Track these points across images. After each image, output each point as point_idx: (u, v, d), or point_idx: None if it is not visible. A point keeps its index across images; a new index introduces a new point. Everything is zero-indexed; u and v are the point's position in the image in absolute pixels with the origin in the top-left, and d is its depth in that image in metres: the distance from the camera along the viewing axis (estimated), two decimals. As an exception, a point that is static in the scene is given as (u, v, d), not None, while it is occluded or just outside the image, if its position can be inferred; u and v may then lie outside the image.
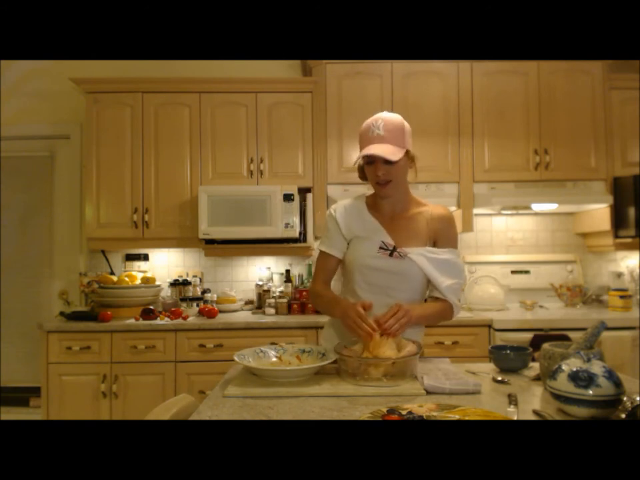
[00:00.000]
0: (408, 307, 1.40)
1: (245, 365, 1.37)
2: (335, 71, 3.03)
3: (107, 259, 3.30)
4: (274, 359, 1.47)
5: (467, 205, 3.02)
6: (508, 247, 3.40)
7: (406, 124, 1.55)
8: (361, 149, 1.54)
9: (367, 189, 1.70)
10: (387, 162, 1.50)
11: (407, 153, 1.54)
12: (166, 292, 3.21)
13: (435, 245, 1.61)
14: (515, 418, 1.04)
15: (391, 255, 1.54)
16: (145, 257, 3.31)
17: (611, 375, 1.01)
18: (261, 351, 1.48)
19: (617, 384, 1.01)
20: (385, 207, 1.63)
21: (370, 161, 1.53)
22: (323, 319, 2.74)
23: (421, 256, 1.54)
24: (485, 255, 3.36)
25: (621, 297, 2.92)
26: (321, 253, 1.66)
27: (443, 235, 1.61)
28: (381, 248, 1.55)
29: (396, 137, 1.51)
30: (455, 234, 1.65)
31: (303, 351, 1.49)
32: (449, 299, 1.55)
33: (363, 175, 1.64)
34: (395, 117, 1.54)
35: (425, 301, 1.65)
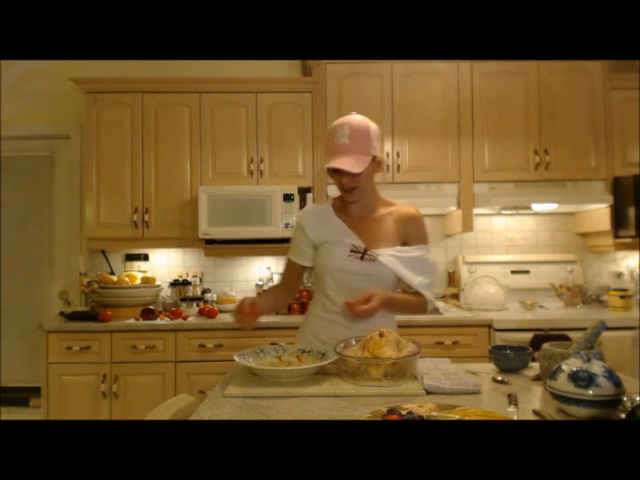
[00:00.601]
0: (377, 292, 1.47)
1: (244, 365, 1.37)
2: (335, 71, 3.03)
3: (107, 259, 3.31)
4: (274, 359, 1.47)
5: (467, 205, 3.02)
6: (508, 247, 3.40)
7: (372, 128, 1.53)
8: (327, 154, 1.55)
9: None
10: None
11: (374, 157, 1.54)
12: (166, 292, 3.21)
13: (405, 244, 1.62)
14: (515, 418, 1.04)
15: (361, 258, 1.55)
16: (145, 257, 3.31)
17: (611, 375, 1.01)
18: (261, 351, 1.48)
19: (617, 384, 1.01)
20: (352, 210, 1.63)
21: (336, 169, 1.53)
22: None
23: (391, 257, 1.56)
24: (485, 255, 3.36)
25: (621, 296, 2.92)
26: (288, 258, 1.71)
27: (413, 234, 1.63)
28: (351, 251, 1.56)
29: (361, 145, 1.50)
30: (425, 232, 1.66)
31: (303, 351, 1.49)
32: (423, 295, 1.58)
33: None
34: (361, 123, 1.52)
35: None
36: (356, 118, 1.54)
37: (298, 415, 1.09)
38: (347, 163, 1.48)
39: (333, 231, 1.61)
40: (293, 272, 1.72)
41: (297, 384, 1.30)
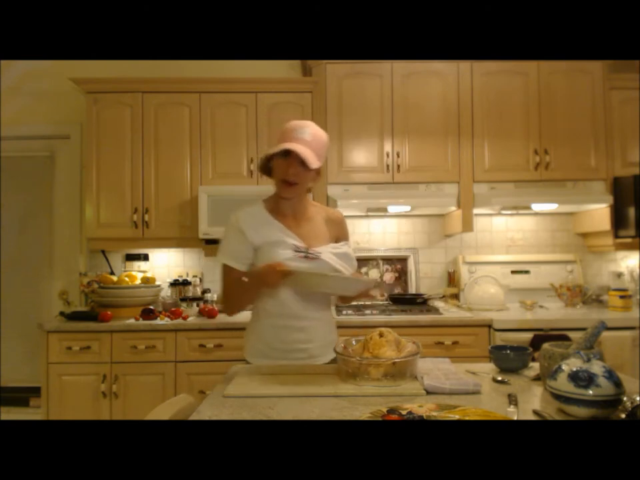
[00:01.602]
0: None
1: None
2: (335, 71, 3.03)
3: (107, 259, 3.30)
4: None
5: (467, 205, 3.02)
6: (508, 247, 3.40)
7: (327, 140, 1.60)
8: (281, 142, 1.54)
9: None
10: (303, 165, 1.51)
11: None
12: (166, 292, 3.21)
13: (336, 242, 1.70)
14: (515, 418, 1.04)
15: (305, 256, 1.56)
16: (145, 257, 3.31)
17: (611, 375, 1.01)
18: None
19: (617, 384, 1.01)
20: (286, 210, 1.64)
21: (285, 154, 1.52)
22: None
23: (330, 253, 1.61)
24: (485, 255, 3.36)
25: (621, 296, 2.92)
26: (225, 265, 1.60)
27: (342, 233, 1.74)
28: (295, 251, 1.56)
29: (318, 148, 1.55)
30: (348, 231, 1.79)
31: None
32: None
33: (267, 170, 1.64)
34: (320, 131, 1.59)
35: None
36: (316, 126, 1.59)
37: (298, 415, 1.09)
38: (306, 152, 1.50)
39: (273, 231, 1.59)
40: (234, 278, 1.59)
41: (297, 384, 1.30)
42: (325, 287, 1.53)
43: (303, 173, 1.54)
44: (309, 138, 1.52)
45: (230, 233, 1.61)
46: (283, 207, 1.63)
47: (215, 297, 3.11)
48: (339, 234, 1.72)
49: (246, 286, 1.57)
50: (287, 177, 1.54)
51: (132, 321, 2.74)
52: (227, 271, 1.61)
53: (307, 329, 1.60)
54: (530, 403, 1.18)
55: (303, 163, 1.50)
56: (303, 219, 1.65)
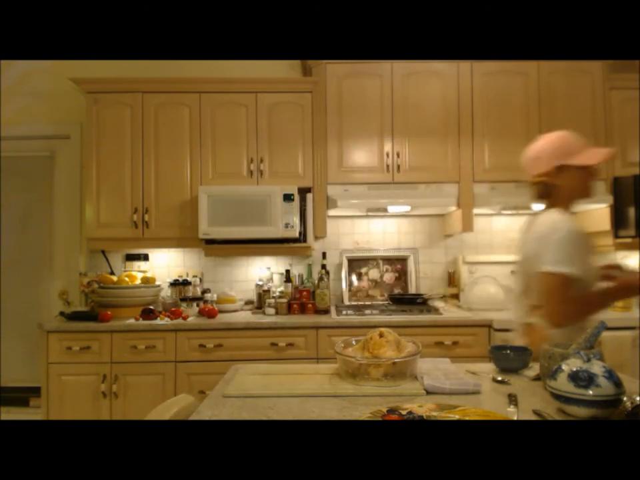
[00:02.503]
0: None
1: None
2: (335, 71, 3.03)
3: (107, 259, 3.31)
4: None
5: (466, 205, 3.02)
6: (508, 247, 3.40)
7: None
8: (573, 154, 1.65)
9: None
10: None
11: None
12: (166, 292, 3.21)
13: None
14: (515, 418, 1.04)
15: None
16: (145, 257, 3.31)
17: (611, 375, 1.01)
18: None
19: (617, 384, 1.01)
20: None
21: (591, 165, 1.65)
22: (324, 319, 2.75)
23: None
24: (485, 255, 3.35)
25: (621, 297, 2.92)
26: (564, 275, 1.52)
27: None
28: None
29: None
30: None
31: None
32: None
33: (547, 191, 1.77)
34: None
35: None
36: None
37: (298, 415, 1.09)
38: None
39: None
40: (569, 289, 1.54)
41: (297, 384, 1.30)
42: None
43: None
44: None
45: (579, 246, 1.59)
46: None
47: (215, 297, 3.11)
48: None
49: (608, 298, 1.63)
50: (595, 180, 1.70)
51: (132, 321, 2.74)
52: (561, 278, 1.54)
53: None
54: (530, 403, 1.18)
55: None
56: None
